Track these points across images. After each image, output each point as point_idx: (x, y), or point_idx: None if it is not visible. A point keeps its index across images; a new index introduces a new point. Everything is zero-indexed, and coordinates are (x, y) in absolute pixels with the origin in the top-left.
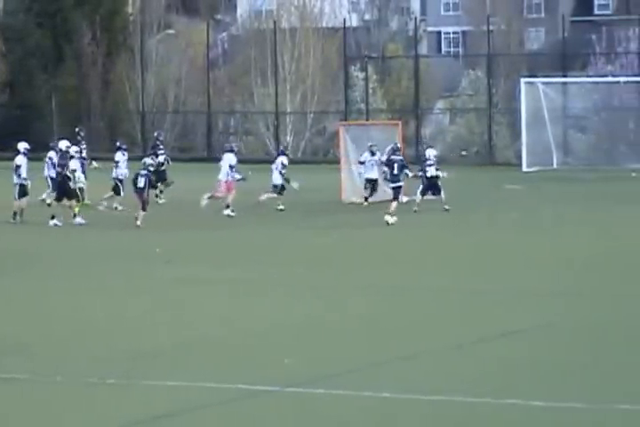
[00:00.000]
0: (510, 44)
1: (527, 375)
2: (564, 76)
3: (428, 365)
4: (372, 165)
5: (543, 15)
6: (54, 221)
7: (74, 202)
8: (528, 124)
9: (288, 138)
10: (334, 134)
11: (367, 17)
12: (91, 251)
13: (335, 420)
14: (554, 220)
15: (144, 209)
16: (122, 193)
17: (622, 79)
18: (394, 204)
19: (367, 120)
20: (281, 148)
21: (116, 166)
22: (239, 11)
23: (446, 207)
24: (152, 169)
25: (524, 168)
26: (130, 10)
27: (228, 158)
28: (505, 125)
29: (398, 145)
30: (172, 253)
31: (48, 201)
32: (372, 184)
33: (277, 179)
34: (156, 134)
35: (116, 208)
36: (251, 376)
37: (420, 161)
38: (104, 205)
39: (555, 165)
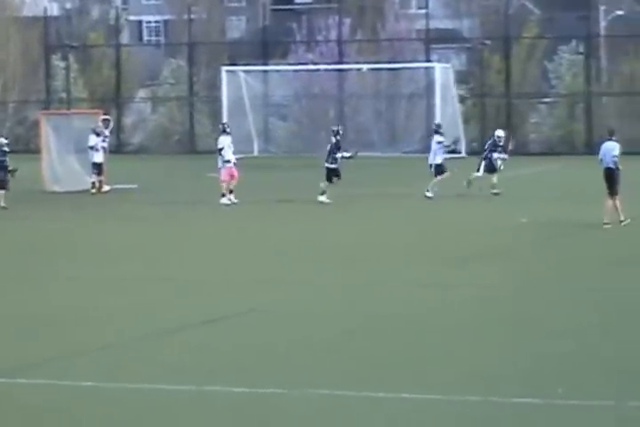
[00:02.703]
0: (211, 32)
1: (229, 362)
2: (265, 65)
3: (130, 353)
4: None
5: (244, 4)
6: None
7: None
8: (229, 113)
9: None
10: (35, 124)
11: (68, 6)
12: None
13: (31, 410)
14: (260, 209)
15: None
16: None
17: (322, 67)
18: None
19: (69, 109)
20: None
21: None
22: None
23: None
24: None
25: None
26: None
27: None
28: (206, 114)
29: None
30: None
31: None
32: None
33: None
34: None
35: None
36: None
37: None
38: None
39: (255, 153)
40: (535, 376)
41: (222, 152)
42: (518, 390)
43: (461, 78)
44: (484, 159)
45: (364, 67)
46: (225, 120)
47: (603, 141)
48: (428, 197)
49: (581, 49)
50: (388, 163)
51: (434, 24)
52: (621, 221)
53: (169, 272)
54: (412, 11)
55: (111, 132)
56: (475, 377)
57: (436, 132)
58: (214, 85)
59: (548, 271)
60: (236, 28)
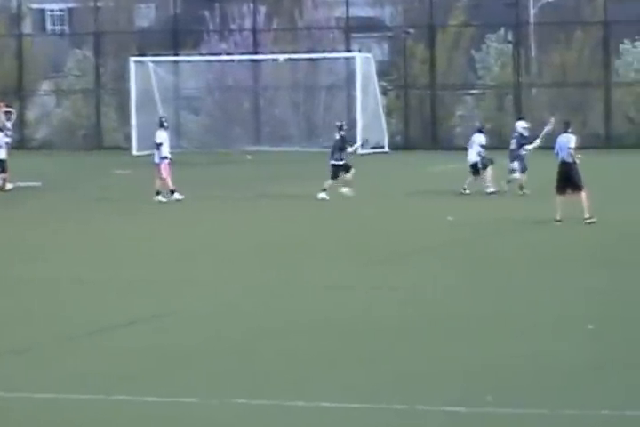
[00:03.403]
0: (119, 21)
1: (142, 369)
2: (176, 55)
3: (34, 359)
4: None
5: None
6: None
7: None
8: (138, 106)
9: None
10: None
11: None
12: None
13: None
14: (166, 207)
15: None
16: None
17: (237, 57)
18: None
19: None
20: None
21: None
22: None
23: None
24: None
25: (135, 152)
26: None
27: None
28: (114, 107)
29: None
30: None
31: None
32: None
33: None
34: None
35: None
36: None
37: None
38: None
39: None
40: (465, 383)
41: (161, 148)
42: (447, 397)
43: (383, 69)
44: (516, 159)
45: (281, 57)
46: (150, 114)
47: (558, 134)
48: (491, 193)
49: (510, 37)
50: (307, 158)
51: (354, 12)
52: (585, 219)
53: (80, 273)
54: None
55: (14, 126)
56: (401, 384)
57: (480, 131)
58: (122, 77)
59: (475, 271)
60: (145, 16)
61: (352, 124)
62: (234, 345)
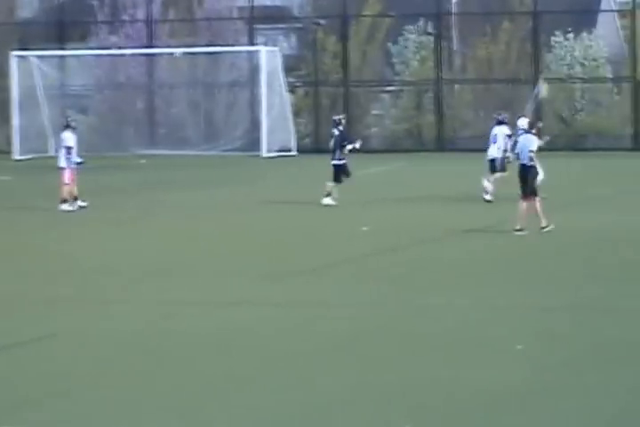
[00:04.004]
0: None
1: (12, 399)
2: (62, 49)
3: None
4: None
5: None
6: None
7: None
8: (20, 105)
9: None
10: None
11: None
12: None
13: None
14: (52, 217)
15: None
16: None
17: (129, 51)
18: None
19: None
20: None
21: None
22: None
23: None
24: None
25: (16, 156)
26: None
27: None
28: None
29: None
30: None
31: None
32: None
33: None
34: None
35: None
36: None
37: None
38: None
39: (52, 152)
40: (381, 411)
41: (72, 151)
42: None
43: (291, 64)
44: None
45: (178, 51)
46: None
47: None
48: (488, 201)
49: (430, 29)
50: (206, 163)
51: (259, 1)
52: (542, 228)
53: None
54: None
55: None
56: (309, 415)
57: (502, 122)
58: (2, 73)
59: (387, 286)
60: (28, 5)
61: (255, 126)
62: (121, 370)
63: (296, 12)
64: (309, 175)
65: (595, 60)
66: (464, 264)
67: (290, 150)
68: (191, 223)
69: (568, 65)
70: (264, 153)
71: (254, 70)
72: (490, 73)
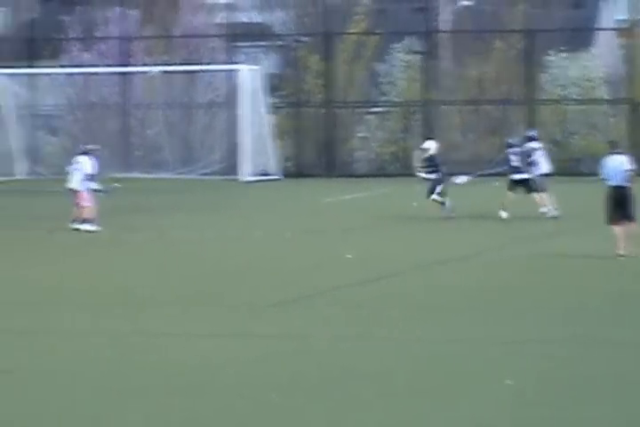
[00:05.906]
0: None
1: None
2: (32, 67)
3: None
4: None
5: None
6: None
7: None
8: None
9: None
10: None
11: None
12: None
13: None
14: (15, 243)
15: None
16: None
17: (102, 70)
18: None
19: None
20: None
21: None
22: None
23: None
24: None
25: None
26: None
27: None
28: None
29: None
30: None
31: None
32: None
33: None
34: None
35: None
36: None
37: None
38: None
39: (20, 175)
40: None
41: (93, 177)
42: None
43: (273, 83)
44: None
45: (154, 69)
46: None
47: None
48: (553, 216)
49: (419, 47)
50: (183, 187)
51: (238, 17)
52: (621, 255)
53: None
54: (212, 0)
55: None
56: None
57: (533, 139)
58: None
59: (372, 318)
60: None
61: (235, 148)
62: (72, 409)
63: (278, 30)
64: (291, 201)
65: (589, 80)
66: (448, 294)
67: (270, 174)
68: (162, 250)
69: (562, 86)
70: (244, 177)
71: (233, 90)
72: (481, 94)
